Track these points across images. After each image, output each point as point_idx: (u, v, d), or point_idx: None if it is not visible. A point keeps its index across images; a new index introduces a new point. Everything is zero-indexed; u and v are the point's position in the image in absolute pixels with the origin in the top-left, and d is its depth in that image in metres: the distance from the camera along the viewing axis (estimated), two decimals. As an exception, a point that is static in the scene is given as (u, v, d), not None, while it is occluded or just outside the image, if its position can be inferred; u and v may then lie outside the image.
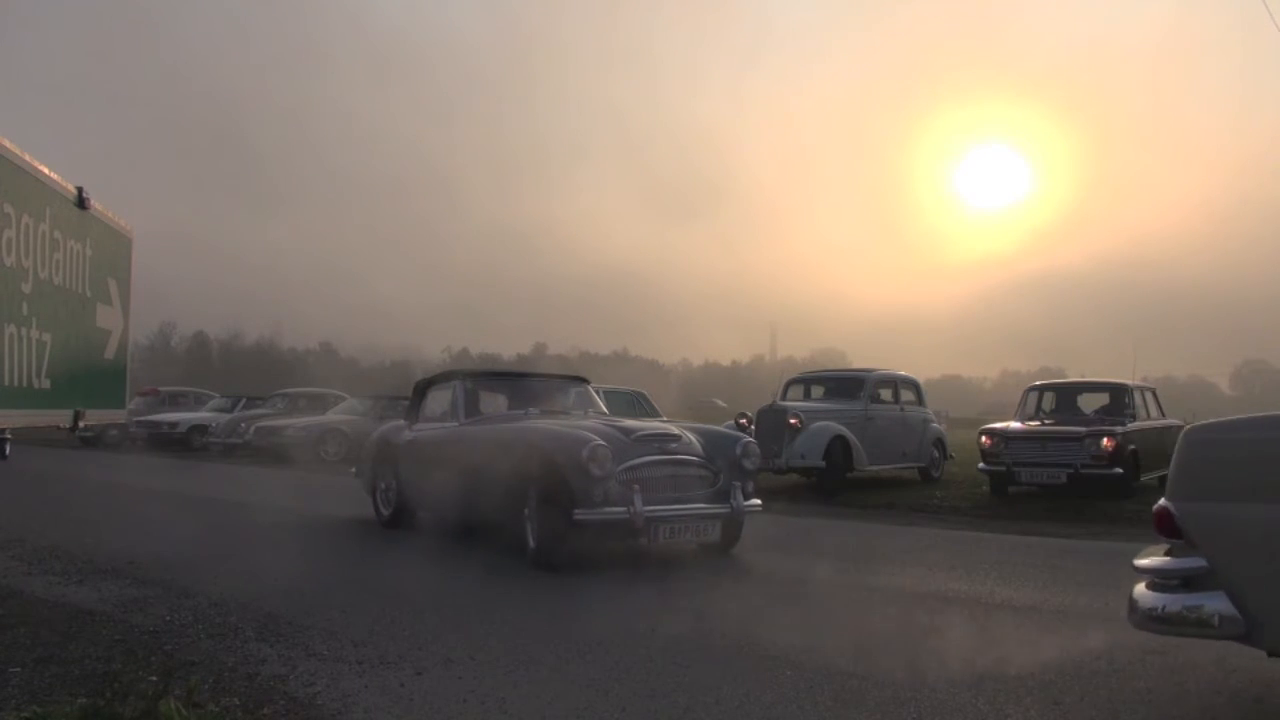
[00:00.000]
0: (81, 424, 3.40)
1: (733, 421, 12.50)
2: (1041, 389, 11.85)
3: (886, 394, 12.48)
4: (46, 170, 2.90)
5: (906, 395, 12.93)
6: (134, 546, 6.39)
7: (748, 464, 6.18)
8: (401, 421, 8.16)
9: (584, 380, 8.15)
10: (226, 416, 20.36)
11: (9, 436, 3.10)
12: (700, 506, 5.82)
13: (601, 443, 5.55)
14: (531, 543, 5.73)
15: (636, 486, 5.50)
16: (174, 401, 23.70)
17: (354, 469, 8.79)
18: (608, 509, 5.46)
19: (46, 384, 2.94)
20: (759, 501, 6.29)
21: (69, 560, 5.79)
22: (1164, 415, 11.60)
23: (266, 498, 10.75)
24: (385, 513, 7.71)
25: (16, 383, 2.73)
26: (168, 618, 4.28)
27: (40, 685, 3.18)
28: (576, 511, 5.44)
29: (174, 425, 20.65)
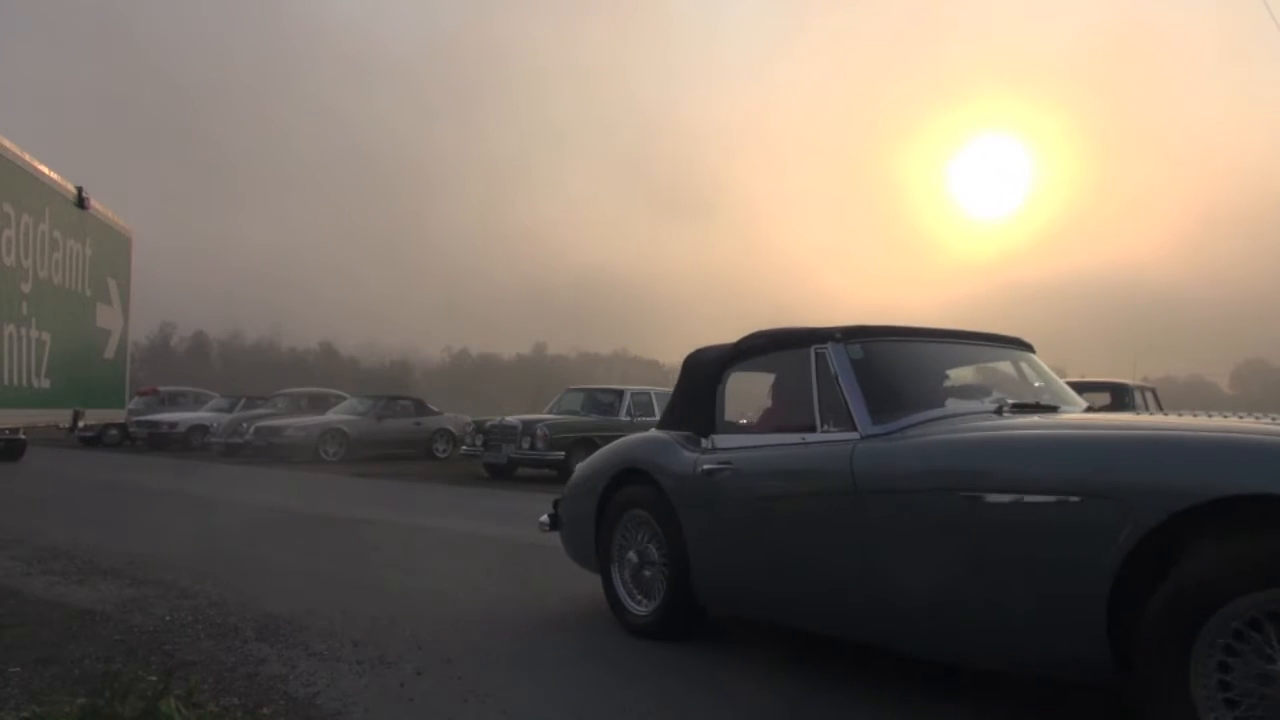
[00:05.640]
0: (81, 424, 3.40)
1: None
2: (1042, 389, 11.82)
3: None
4: (46, 170, 2.90)
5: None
6: (134, 546, 6.39)
7: None
8: (657, 432, 4.45)
9: (1027, 346, 4.23)
10: (226, 416, 20.40)
11: (24, 437, 3.10)
12: None
13: None
14: None
15: None
16: (174, 401, 23.72)
17: (545, 517, 4.99)
18: None
19: (46, 383, 2.94)
20: None
21: (69, 560, 5.79)
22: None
23: (266, 498, 10.76)
24: (640, 608, 4.13)
25: (16, 382, 2.73)
26: (168, 618, 4.27)
27: (40, 685, 3.17)
28: None
29: (174, 425, 20.67)
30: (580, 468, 4.85)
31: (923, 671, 3.36)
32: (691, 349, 4.63)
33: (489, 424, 14.12)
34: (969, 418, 3.34)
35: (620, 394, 14.72)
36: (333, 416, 18.72)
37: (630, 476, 4.27)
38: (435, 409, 19.87)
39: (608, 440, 16.15)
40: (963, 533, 2.78)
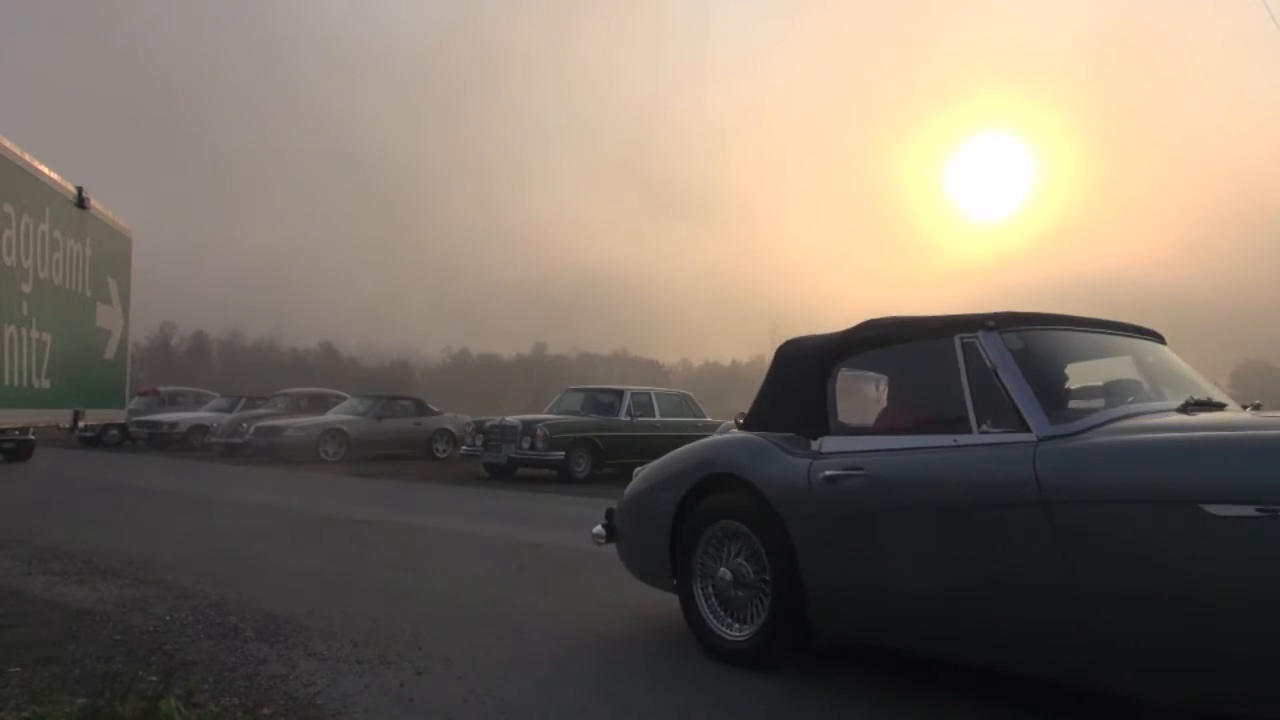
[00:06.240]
0: (81, 424, 3.40)
1: (732, 421, 12.55)
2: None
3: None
4: (46, 170, 2.91)
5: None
6: (134, 546, 6.39)
7: None
8: (747, 434, 3.94)
9: (1160, 337, 3.92)
10: (227, 416, 20.42)
11: (33, 438, 3.09)
12: None
13: None
14: None
15: None
16: (174, 401, 23.74)
17: (600, 528, 4.57)
18: None
19: (46, 384, 2.95)
20: None
21: (69, 560, 5.79)
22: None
23: (266, 498, 10.76)
24: (733, 632, 3.67)
25: (16, 382, 2.73)
26: (168, 618, 4.28)
27: (40, 685, 3.18)
28: None
29: (174, 425, 20.68)
30: (646, 473, 4.39)
31: (923, 671, 3.36)
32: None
33: (489, 424, 14.12)
34: (1157, 415, 2.99)
35: (620, 394, 14.72)
36: (333, 416, 18.72)
37: (717, 483, 3.78)
38: (435, 409, 19.87)
39: (608, 440, 16.04)
40: (1204, 551, 2.38)
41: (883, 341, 3.66)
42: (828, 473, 3.36)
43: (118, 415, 3.97)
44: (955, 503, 2.98)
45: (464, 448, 14.90)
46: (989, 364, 3.11)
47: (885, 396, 3.74)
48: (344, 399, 20.70)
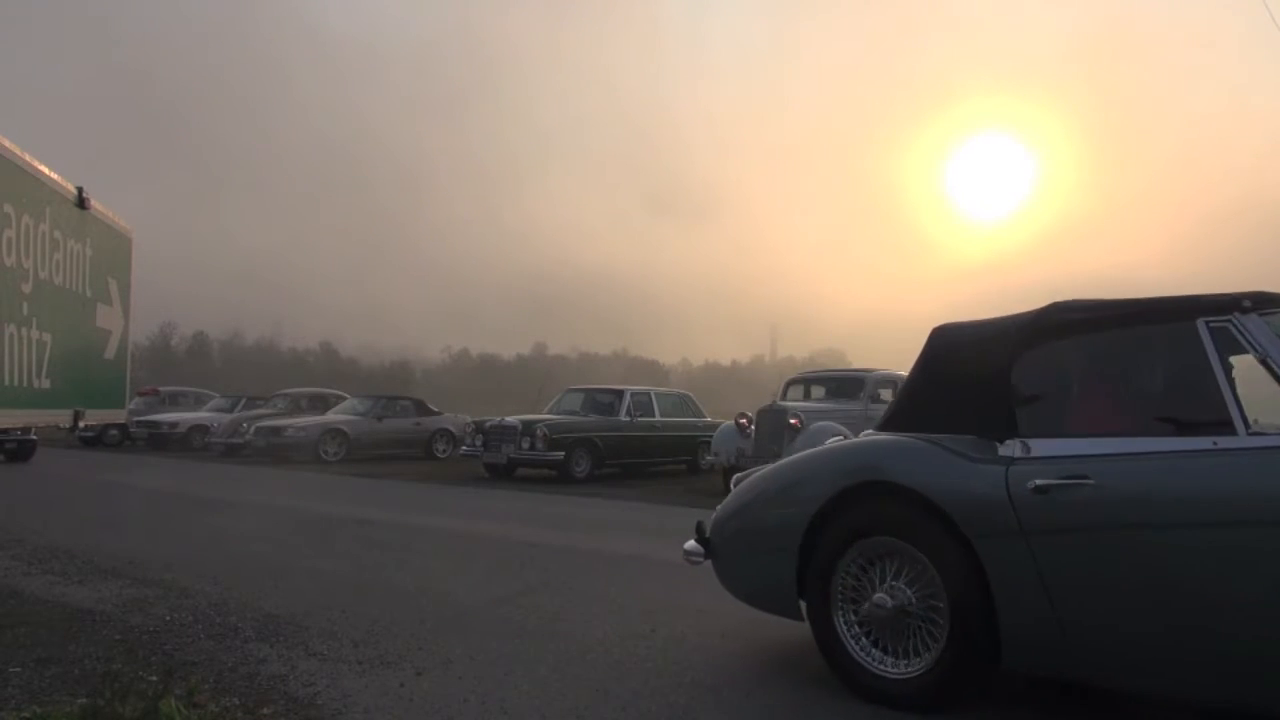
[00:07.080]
0: (81, 424, 3.40)
1: (733, 421, 12.56)
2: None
3: (886, 394, 12.50)
4: (46, 170, 2.91)
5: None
6: (134, 546, 6.40)
7: None
8: (902, 436, 3.39)
9: None
10: (227, 416, 20.43)
11: (35, 438, 3.09)
12: None
13: None
14: None
15: None
16: (174, 401, 23.73)
17: (693, 543, 3.97)
18: None
19: (46, 384, 2.95)
20: None
21: (69, 560, 5.80)
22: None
23: (267, 498, 10.76)
24: (896, 670, 3.16)
25: (16, 382, 2.73)
26: (168, 618, 4.28)
27: (40, 685, 3.18)
28: None
29: (174, 425, 20.68)
30: (758, 481, 3.83)
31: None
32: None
33: (489, 424, 14.11)
34: None
35: (620, 394, 14.73)
36: (333, 416, 18.72)
37: (866, 493, 3.26)
38: (435, 409, 19.86)
39: (608, 440, 16.00)
40: None
41: (1083, 327, 3.12)
42: (1038, 482, 2.84)
43: (118, 415, 3.97)
44: (1227, 518, 2.53)
45: (464, 448, 14.90)
46: (1258, 352, 2.68)
47: (1089, 390, 3.15)
48: (344, 399, 20.70)
